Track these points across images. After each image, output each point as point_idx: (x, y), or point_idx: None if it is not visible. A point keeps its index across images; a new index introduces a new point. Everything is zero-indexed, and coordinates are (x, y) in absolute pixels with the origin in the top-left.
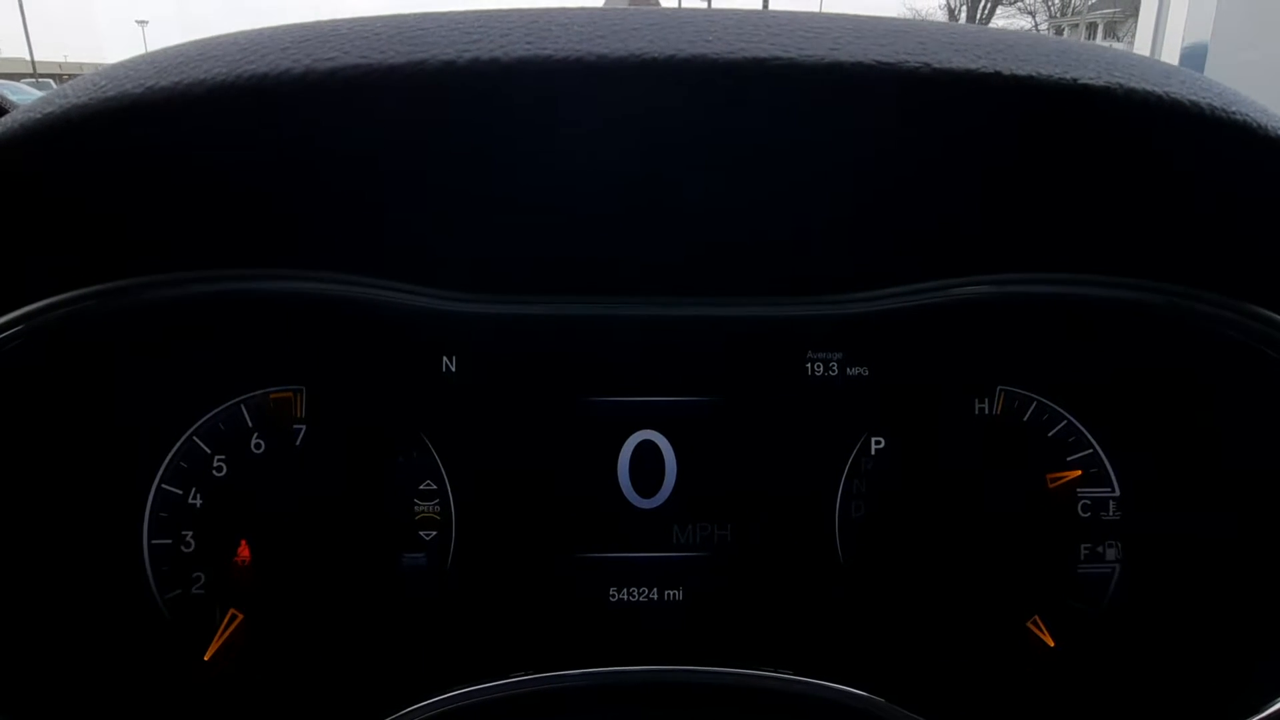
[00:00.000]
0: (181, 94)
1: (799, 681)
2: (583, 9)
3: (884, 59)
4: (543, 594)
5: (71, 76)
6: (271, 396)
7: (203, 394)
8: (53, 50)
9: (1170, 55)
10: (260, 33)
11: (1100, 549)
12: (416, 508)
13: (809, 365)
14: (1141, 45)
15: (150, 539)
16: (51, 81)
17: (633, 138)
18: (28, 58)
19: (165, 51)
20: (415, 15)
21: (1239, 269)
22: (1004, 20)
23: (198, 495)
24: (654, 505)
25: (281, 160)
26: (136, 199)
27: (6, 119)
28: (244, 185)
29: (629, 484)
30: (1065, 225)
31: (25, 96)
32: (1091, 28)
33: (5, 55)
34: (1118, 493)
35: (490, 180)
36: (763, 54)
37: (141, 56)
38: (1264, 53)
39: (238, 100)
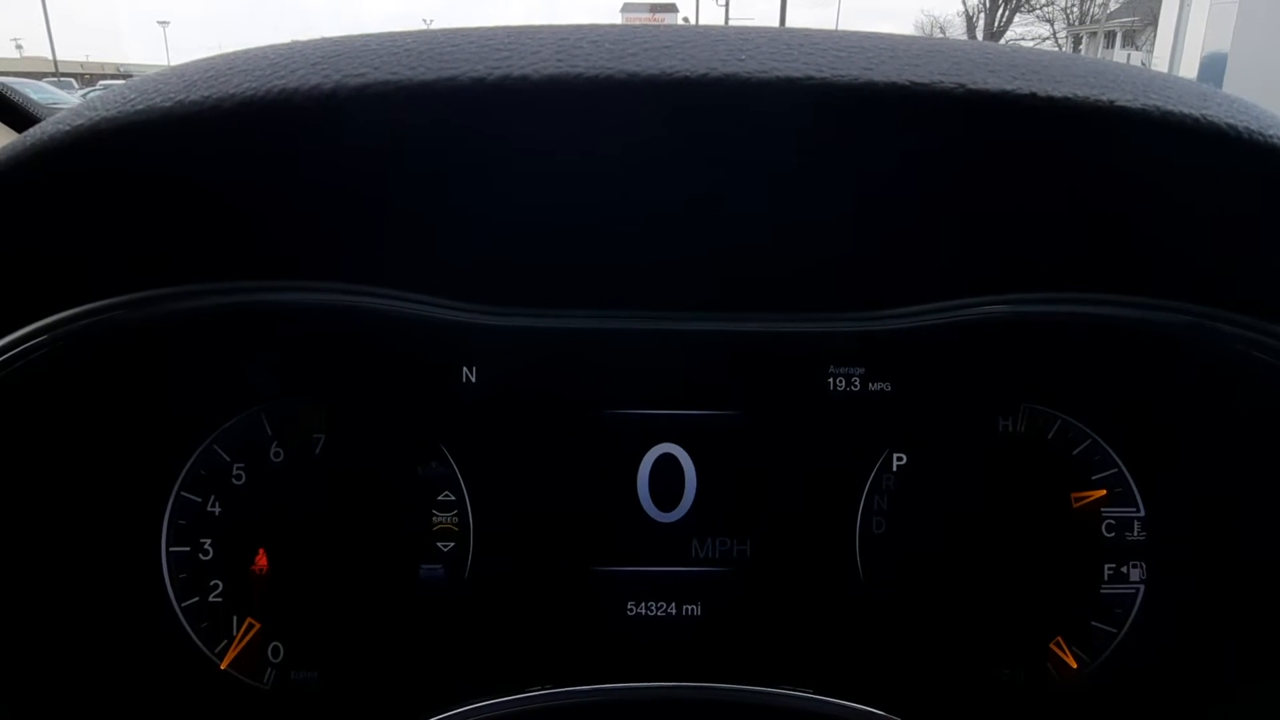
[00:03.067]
0: (211, 108)
1: (818, 700)
2: (613, 26)
3: (918, 79)
4: (560, 607)
5: (93, 75)
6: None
7: (223, 402)
8: (75, 50)
9: (1190, 64)
10: (290, 47)
11: (1124, 569)
12: (434, 519)
13: (831, 380)
14: (1161, 54)
15: (169, 546)
16: (73, 81)
17: (659, 154)
18: (50, 57)
19: (194, 65)
20: (445, 31)
21: (1268, 290)
22: (1022, 28)
23: (216, 503)
24: (673, 519)
25: (308, 175)
26: (163, 211)
27: (37, 129)
28: (270, 199)
29: (648, 497)
30: (1095, 246)
31: (47, 95)
32: (1110, 36)
33: (28, 54)
34: (1143, 513)
35: (515, 195)
36: (796, 73)
37: (171, 69)
38: None
39: (266, 115)
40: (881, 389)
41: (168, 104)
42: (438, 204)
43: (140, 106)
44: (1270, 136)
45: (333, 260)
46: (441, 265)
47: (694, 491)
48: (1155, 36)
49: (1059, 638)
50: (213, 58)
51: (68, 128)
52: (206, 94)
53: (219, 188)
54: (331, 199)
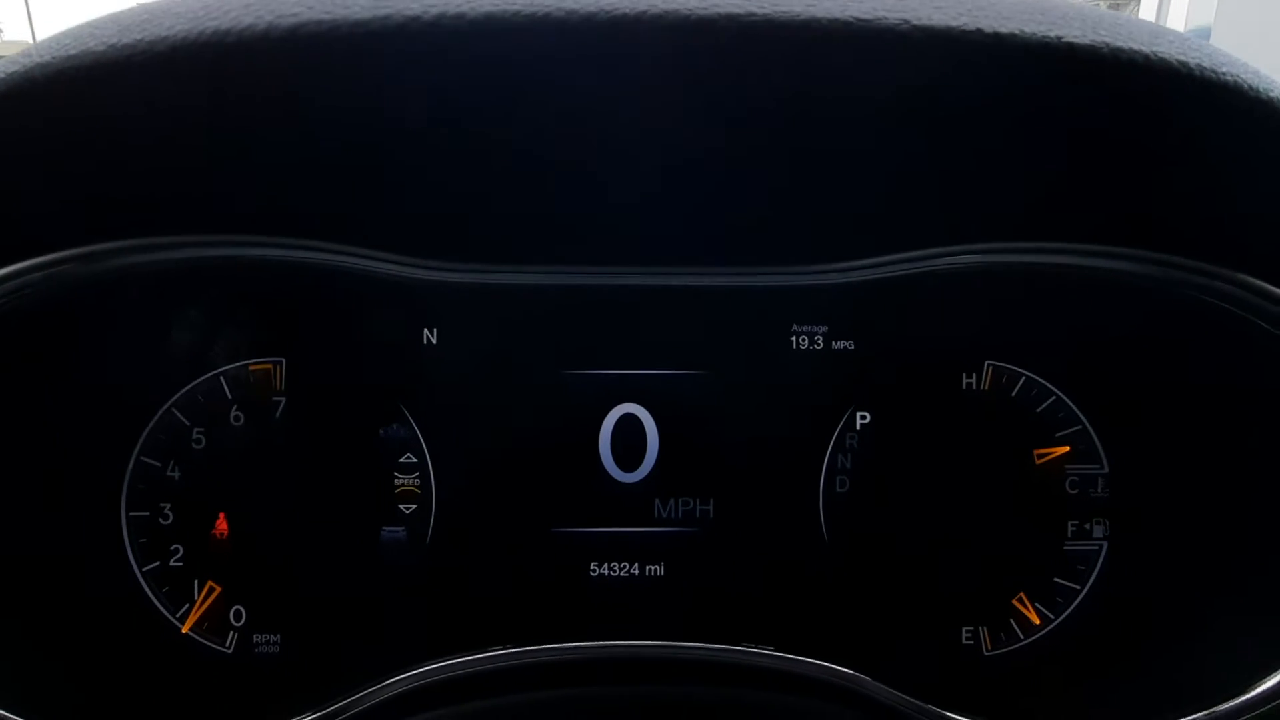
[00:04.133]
0: (143, 52)
1: (782, 658)
2: None
3: (861, 15)
4: (522, 568)
5: None
6: (251, 369)
7: (182, 365)
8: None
9: None
10: None
11: (1088, 526)
12: (396, 481)
13: (794, 338)
14: None
15: (129, 511)
16: None
17: (612, 101)
18: (30, 41)
19: (132, 10)
20: None
21: (1227, 236)
22: None
23: (176, 467)
24: (636, 480)
25: (245, 122)
26: (106, 160)
27: None
28: (210, 146)
29: (610, 458)
30: (1049, 191)
31: None
32: None
33: (7, 39)
34: (1106, 469)
35: (463, 147)
36: (737, 9)
37: (108, 15)
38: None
39: (198, 58)
40: (845, 347)
41: (101, 48)
42: (386, 155)
43: (74, 52)
44: (1223, 74)
45: (285, 215)
46: (397, 221)
47: (656, 452)
48: (1138, 10)
49: (1022, 594)
50: (151, 2)
51: (2, 75)
52: (140, 37)
53: (159, 135)
54: (272, 149)
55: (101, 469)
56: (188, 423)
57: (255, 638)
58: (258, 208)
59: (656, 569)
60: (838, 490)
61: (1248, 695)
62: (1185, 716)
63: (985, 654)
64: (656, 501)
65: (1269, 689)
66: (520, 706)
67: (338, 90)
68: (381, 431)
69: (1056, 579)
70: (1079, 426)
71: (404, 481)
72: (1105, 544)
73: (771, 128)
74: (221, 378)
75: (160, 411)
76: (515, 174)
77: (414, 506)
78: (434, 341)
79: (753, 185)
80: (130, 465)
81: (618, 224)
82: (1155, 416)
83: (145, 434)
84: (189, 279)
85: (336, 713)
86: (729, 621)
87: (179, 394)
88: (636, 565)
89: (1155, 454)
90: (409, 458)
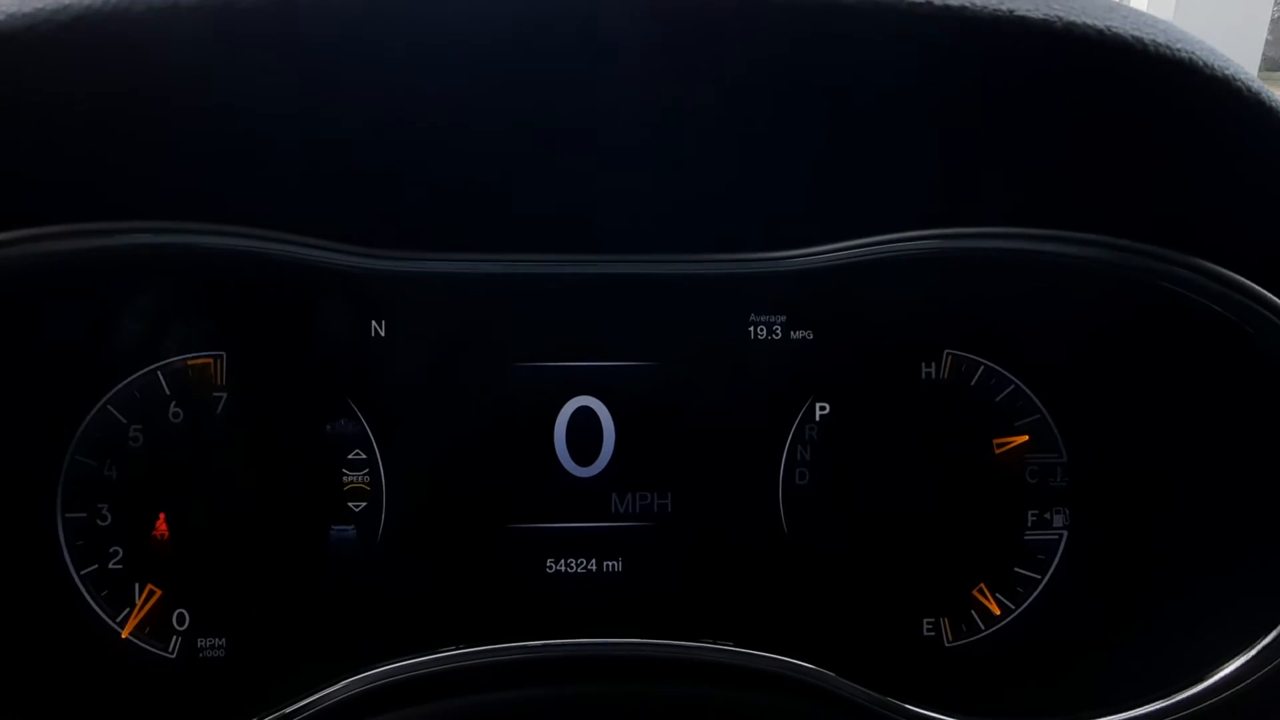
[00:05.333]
0: (44, 21)
1: (741, 654)
2: None
3: None
4: (476, 566)
5: None
6: (190, 363)
7: (116, 360)
8: None
9: None
10: None
11: (1047, 515)
12: (345, 478)
13: (752, 328)
14: None
15: (64, 512)
16: None
17: (556, 83)
18: None
19: None
20: None
21: (1184, 220)
22: None
23: (113, 467)
24: (592, 474)
25: (159, 96)
26: (8, 137)
27: None
28: (135, 126)
29: (565, 452)
30: (1004, 172)
31: None
32: None
33: None
34: (1065, 459)
35: (404, 125)
36: None
37: None
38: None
39: (104, 29)
40: (804, 337)
41: (1, 17)
42: (322, 136)
43: None
44: (1177, 50)
45: (220, 200)
46: (341, 208)
47: (613, 445)
48: None
49: (982, 585)
50: None
51: None
52: (42, 4)
53: (73, 111)
54: (198, 126)
55: (34, 469)
56: (124, 420)
57: (200, 642)
58: (191, 193)
59: (614, 564)
60: (797, 482)
61: (1208, 682)
62: (1146, 704)
63: (946, 645)
64: (614, 496)
65: (1228, 675)
66: (476, 708)
67: (259, 66)
68: (328, 427)
69: (1017, 569)
70: (1038, 416)
71: (353, 479)
72: (1065, 533)
73: (724, 110)
74: (159, 372)
75: (95, 409)
76: (461, 158)
77: (364, 504)
78: (382, 333)
79: (707, 170)
80: (65, 465)
81: (570, 211)
82: (1113, 405)
83: (79, 432)
84: (121, 268)
85: (285, 718)
86: (688, 617)
87: (114, 390)
88: (594, 561)
89: (1113, 443)
90: (358, 454)
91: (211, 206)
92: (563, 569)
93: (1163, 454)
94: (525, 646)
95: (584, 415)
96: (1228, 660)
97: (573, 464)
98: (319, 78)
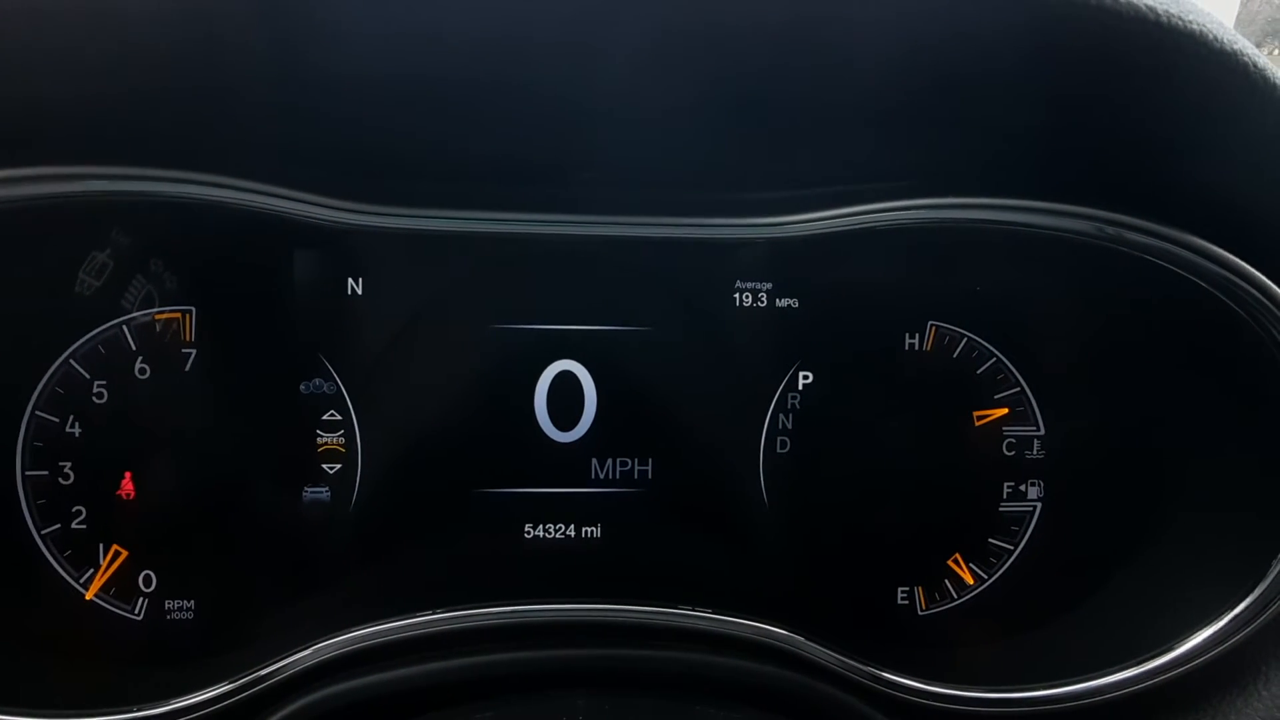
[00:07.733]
0: None
1: (719, 620)
2: None
3: None
4: (454, 531)
5: None
6: (157, 318)
7: (79, 313)
8: None
9: None
10: None
11: (1023, 487)
12: (319, 439)
13: (737, 295)
14: None
15: (25, 470)
16: None
17: (549, 43)
18: None
19: None
20: None
21: (1176, 194)
22: None
23: (76, 424)
24: (572, 439)
25: (133, 35)
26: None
27: None
28: (108, 71)
29: (546, 416)
30: (997, 143)
31: None
32: None
33: None
34: (1042, 431)
35: (387, 77)
36: None
37: None
38: None
39: None
40: (789, 305)
41: None
42: (300, 84)
43: None
44: (1189, 21)
45: (187, 148)
46: (318, 159)
47: (594, 410)
48: None
49: (957, 554)
50: None
51: None
52: None
53: (50, 60)
54: (172, 71)
55: None
56: (88, 376)
57: (167, 604)
58: (157, 136)
59: (593, 530)
60: (778, 451)
61: (1176, 651)
62: (1114, 672)
63: (920, 613)
64: (594, 461)
65: (1196, 645)
66: (451, 672)
67: (241, 15)
68: (303, 387)
69: (991, 539)
70: (1017, 389)
71: (327, 440)
72: (1039, 505)
73: (712, 74)
74: (124, 327)
75: (56, 364)
76: (446, 112)
77: (339, 466)
78: (359, 291)
79: (694, 135)
80: (25, 421)
81: (556, 170)
82: (1090, 378)
83: (40, 388)
84: (84, 216)
85: (254, 682)
86: (666, 584)
87: (77, 345)
88: (573, 527)
89: (1089, 416)
90: (333, 414)
91: (178, 153)
92: (541, 534)
93: (1137, 429)
94: (501, 612)
95: (565, 379)
96: (1195, 631)
97: (553, 428)
98: (298, 31)
